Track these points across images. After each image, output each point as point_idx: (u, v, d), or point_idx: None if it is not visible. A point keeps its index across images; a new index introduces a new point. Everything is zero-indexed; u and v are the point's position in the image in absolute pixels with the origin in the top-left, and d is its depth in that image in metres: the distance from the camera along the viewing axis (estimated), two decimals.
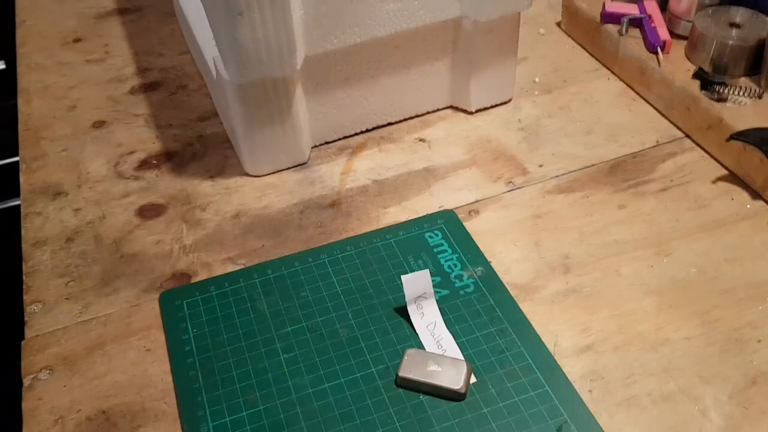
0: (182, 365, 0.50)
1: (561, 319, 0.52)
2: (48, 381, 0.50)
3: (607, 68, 0.76)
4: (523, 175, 0.64)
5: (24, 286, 0.57)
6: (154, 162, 0.68)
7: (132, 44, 0.84)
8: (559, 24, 0.82)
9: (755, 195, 0.61)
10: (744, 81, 0.66)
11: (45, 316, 0.54)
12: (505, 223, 0.60)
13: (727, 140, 0.61)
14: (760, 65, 0.65)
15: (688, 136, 0.67)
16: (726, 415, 0.46)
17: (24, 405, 0.49)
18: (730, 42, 0.65)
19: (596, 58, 0.77)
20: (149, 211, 0.63)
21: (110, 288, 0.56)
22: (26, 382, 0.50)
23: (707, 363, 0.49)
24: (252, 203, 0.63)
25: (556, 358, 0.50)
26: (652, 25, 0.71)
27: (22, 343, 0.53)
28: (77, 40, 0.85)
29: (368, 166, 0.66)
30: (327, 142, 0.69)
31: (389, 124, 0.70)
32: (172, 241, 0.60)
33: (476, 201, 0.62)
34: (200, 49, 0.70)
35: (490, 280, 0.55)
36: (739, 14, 0.68)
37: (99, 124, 0.73)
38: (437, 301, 0.53)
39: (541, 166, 0.65)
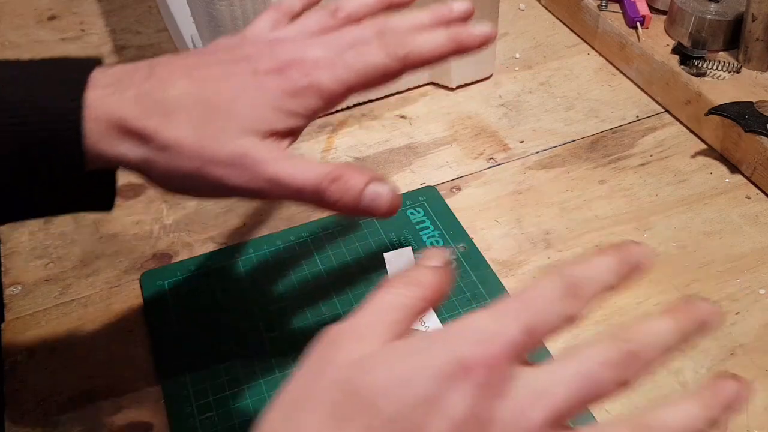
0: (164, 345, 0.50)
1: None
2: (29, 363, 0.50)
3: (587, 43, 0.75)
4: (504, 152, 0.64)
5: (2, 268, 0.56)
6: None
7: (108, 22, 0.83)
8: None
9: (734, 169, 0.61)
10: (722, 55, 0.67)
11: (24, 298, 0.54)
12: (486, 200, 0.60)
13: (706, 115, 0.61)
14: (739, 40, 0.65)
15: (667, 110, 0.67)
16: None
17: (6, 388, 0.49)
18: (709, 16, 0.66)
19: (576, 34, 0.77)
20: (128, 191, 0.62)
21: (90, 269, 0.56)
22: (7, 364, 0.50)
23: None
24: None
25: None
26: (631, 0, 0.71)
27: (2, 325, 0.52)
28: (52, 18, 0.84)
29: (349, 143, 0.66)
30: None
31: (370, 101, 0.70)
32: (152, 221, 0.59)
33: (458, 177, 0.62)
34: (178, 27, 0.69)
35: (473, 257, 0.55)
36: None
37: None
38: None
39: (521, 142, 0.65)
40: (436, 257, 0.33)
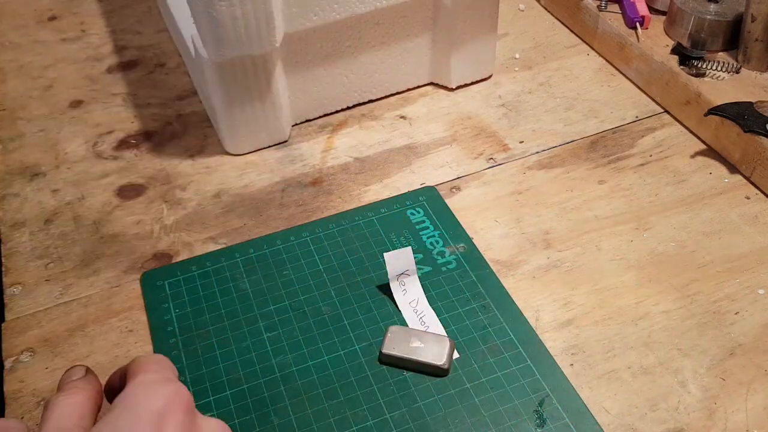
0: (165, 346, 0.50)
1: (542, 295, 0.53)
2: (30, 363, 0.50)
3: (587, 44, 0.76)
4: (503, 152, 0.64)
5: (3, 268, 0.56)
6: (133, 142, 0.67)
7: (108, 22, 0.83)
8: (538, 0, 0.82)
9: (733, 169, 0.61)
10: (722, 56, 0.67)
11: (25, 298, 0.54)
12: (486, 200, 0.60)
13: (705, 115, 0.61)
14: (738, 40, 0.65)
15: (666, 111, 0.67)
16: (704, 386, 0.47)
17: (6, 388, 0.49)
18: (708, 17, 0.66)
19: (576, 34, 0.77)
20: (129, 192, 0.62)
21: (90, 269, 0.56)
22: (8, 364, 0.50)
23: (686, 336, 0.50)
24: (233, 182, 0.63)
25: (537, 332, 0.50)
26: (631, 0, 0.71)
27: (3, 325, 0.52)
28: (52, 18, 0.84)
29: (349, 143, 0.66)
30: (307, 120, 0.68)
31: (370, 101, 0.70)
32: (153, 222, 0.59)
33: (457, 177, 0.62)
34: (178, 27, 0.69)
35: (472, 257, 0.55)
36: None
37: (76, 104, 0.72)
38: (419, 277, 0.53)
39: (521, 142, 0.65)
40: (75, 371, 0.40)
